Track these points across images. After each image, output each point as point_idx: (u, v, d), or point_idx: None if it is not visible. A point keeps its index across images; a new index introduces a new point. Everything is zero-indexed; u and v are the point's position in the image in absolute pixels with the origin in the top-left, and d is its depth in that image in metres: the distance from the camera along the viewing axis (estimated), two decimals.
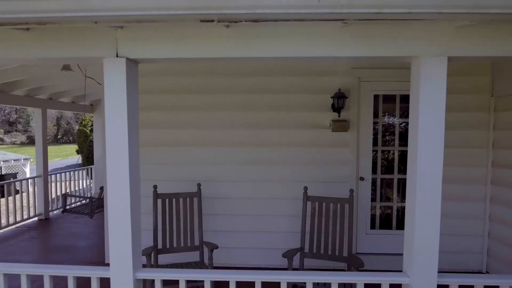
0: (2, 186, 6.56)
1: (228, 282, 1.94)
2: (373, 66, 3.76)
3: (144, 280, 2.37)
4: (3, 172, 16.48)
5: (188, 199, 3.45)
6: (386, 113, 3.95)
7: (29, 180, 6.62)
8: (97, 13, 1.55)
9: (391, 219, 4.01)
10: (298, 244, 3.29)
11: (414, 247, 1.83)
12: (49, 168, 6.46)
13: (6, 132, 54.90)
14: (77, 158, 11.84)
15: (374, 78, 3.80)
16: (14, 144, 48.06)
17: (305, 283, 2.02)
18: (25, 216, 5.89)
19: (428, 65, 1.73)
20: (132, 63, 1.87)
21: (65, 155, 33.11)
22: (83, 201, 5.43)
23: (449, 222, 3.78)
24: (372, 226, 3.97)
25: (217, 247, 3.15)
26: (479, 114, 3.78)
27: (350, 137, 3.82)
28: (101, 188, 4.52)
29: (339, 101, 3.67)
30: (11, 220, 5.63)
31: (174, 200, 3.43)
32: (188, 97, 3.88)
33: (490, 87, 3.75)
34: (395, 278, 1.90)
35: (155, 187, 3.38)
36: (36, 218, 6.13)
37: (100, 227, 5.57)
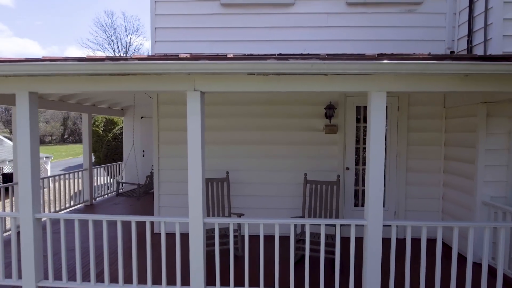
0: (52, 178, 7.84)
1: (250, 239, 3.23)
2: None
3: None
4: None
5: (219, 183, 4.74)
6: (366, 119, 5.23)
7: (75, 173, 7.91)
8: (190, 70, 2.84)
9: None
10: (300, 216, 4.58)
11: (368, 206, 3.11)
12: (65, 166, 7.75)
13: (11, 132, 55.96)
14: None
15: (356, 94, 5.09)
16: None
17: (304, 224, 3.31)
18: (74, 202, 7.20)
19: (374, 96, 3.01)
20: (202, 94, 3.15)
21: (75, 154, 34.41)
22: (116, 189, 6.74)
23: (415, 201, 5.10)
24: (356, 204, 5.26)
25: (243, 214, 4.44)
26: (435, 121, 5.07)
27: (339, 137, 5.12)
28: (147, 177, 5.82)
29: (330, 111, 4.96)
30: (63, 206, 6.94)
31: (209, 183, 4.72)
32: (223, 108, 5.18)
33: (442, 100, 5.04)
34: (358, 221, 3.19)
35: None
36: (82, 204, 7.43)
37: (136, 211, 6.90)
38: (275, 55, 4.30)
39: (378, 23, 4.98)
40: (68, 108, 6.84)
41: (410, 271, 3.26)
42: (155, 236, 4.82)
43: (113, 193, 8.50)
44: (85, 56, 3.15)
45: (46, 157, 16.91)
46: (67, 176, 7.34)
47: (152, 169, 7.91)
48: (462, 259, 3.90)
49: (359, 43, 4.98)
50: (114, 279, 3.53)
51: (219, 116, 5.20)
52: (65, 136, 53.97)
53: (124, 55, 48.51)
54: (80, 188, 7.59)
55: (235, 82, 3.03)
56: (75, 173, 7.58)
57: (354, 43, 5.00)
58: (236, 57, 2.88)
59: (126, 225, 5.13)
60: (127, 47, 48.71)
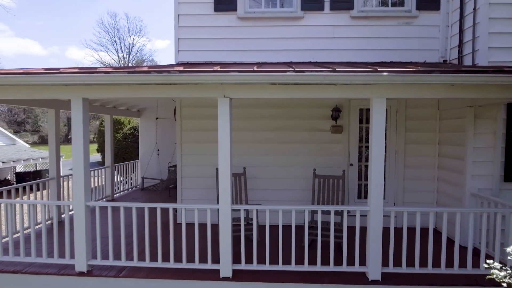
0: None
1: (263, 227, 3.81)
2: None
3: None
4: (38, 168, 18.38)
5: (237, 177, 5.32)
6: (368, 121, 5.81)
7: (96, 171, 8.49)
8: (223, 81, 3.43)
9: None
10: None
11: (371, 194, 3.69)
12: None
13: (15, 132, 56.39)
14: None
15: (359, 99, 5.65)
16: (26, 143, 49.81)
17: (317, 210, 3.89)
18: (96, 198, 7.78)
19: (376, 102, 3.59)
20: (230, 100, 3.73)
21: None
22: (141, 184, 7.33)
23: (412, 194, 5.69)
24: (359, 197, 5.84)
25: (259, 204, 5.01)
26: (430, 122, 5.65)
27: (343, 137, 5.70)
28: (172, 173, 6.41)
29: (336, 113, 5.54)
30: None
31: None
32: (240, 111, 5.75)
33: (436, 104, 5.62)
34: (363, 208, 3.77)
35: (216, 169, 5.24)
36: (104, 199, 8.01)
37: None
38: (289, 64, 4.90)
39: (379, 34, 5.55)
40: (93, 110, 7.41)
41: (406, 252, 3.84)
42: (178, 226, 5.40)
43: (129, 190, 9.08)
44: (122, 65, 3.72)
45: None
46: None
47: (169, 166, 8.52)
48: (451, 242, 4.47)
49: (362, 52, 5.56)
50: (153, 257, 4.11)
51: (236, 118, 5.75)
52: (69, 136, 54.52)
53: (128, 56, 49.14)
54: (97, 185, 8.16)
55: (259, 90, 3.62)
56: (97, 171, 8.16)
57: (358, 52, 5.58)
58: (261, 70, 3.46)
59: (153, 213, 5.71)
60: (130, 48, 49.28)
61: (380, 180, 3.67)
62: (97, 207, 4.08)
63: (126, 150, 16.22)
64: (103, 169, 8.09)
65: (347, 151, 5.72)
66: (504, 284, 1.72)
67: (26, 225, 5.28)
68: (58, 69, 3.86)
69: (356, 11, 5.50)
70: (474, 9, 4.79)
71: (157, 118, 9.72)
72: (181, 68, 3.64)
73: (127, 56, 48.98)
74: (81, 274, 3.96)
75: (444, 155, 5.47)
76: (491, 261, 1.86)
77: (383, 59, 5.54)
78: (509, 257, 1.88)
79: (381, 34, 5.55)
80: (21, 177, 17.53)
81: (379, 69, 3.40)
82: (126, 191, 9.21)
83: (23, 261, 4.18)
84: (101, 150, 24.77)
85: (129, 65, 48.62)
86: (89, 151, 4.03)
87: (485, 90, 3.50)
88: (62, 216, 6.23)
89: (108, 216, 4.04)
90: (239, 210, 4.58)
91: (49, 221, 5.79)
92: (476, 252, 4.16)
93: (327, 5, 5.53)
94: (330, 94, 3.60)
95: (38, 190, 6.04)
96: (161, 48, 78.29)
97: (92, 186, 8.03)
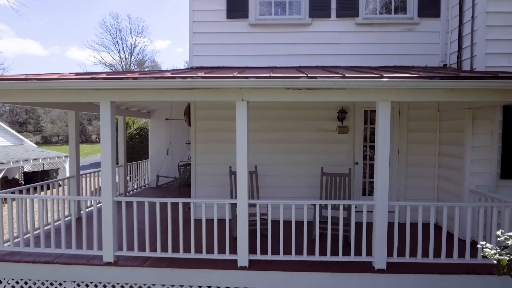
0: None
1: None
2: None
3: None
4: (45, 168, 18.70)
5: (249, 175, 5.63)
6: (372, 122, 6.14)
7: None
8: (241, 86, 3.75)
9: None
10: None
11: (377, 189, 4.01)
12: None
13: (18, 132, 56.49)
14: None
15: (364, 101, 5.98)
16: (33, 144, 50.15)
17: (326, 206, 4.22)
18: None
19: (381, 105, 3.91)
20: (247, 103, 4.05)
21: (84, 154, 35.31)
22: (156, 182, 7.64)
23: (414, 191, 6.00)
24: (364, 194, 6.16)
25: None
26: (431, 122, 5.97)
27: (349, 137, 6.02)
28: (184, 172, 6.73)
29: (342, 114, 5.87)
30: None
31: None
32: (252, 112, 6.08)
33: (437, 105, 5.94)
34: (369, 202, 4.09)
35: (230, 168, 5.57)
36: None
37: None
38: (298, 68, 5.22)
39: (382, 40, 5.88)
40: (84, 108, 7.69)
41: (409, 244, 4.15)
42: (195, 220, 5.71)
43: (139, 188, 9.41)
44: (147, 70, 4.05)
45: (65, 156, 17.82)
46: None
47: (179, 165, 8.85)
48: (451, 236, 4.78)
49: (366, 57, 5.88)
50: (175, 249, 4.43)
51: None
52: None
53: (130, 57, 49.47)
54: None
55: (274, 94, 3.94)
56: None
57: (362, 56, 5.90)
58: (277, 76, 3.78)
59: (175, 208, 6.05)
60: (132, 49, 49.63)
61: (385, 176, 3.99)
62: (123, 202, 4.41)
63: (132, 150, 16.53)
64: (116, 168, 8.40)
65: (352, 150, 6.04)
66: (494, 261, 2.04)
67: (50, 220, 5.61)
68: (90, 74, 4.19)
69: (361, 18, 5.83)
70: (472, 17, 5.11)
71: (166, 119, 10.05)
72: (203, 74, 3.96)
73: (129, 56, 49.36)
74: (108, 264, 4.29)
75: (444, 154, 5.79)
76: (483, 242, 2.19)
77: (386, 63, 5.86)
78: (498, 239, 2.19)
79: (384, 40, 5.87)
80: (29, 176, 17.84)
81: (384, 75, 3.72)
82: (136, 190, 9.54)
83: (53, 252, 4.50)
84: None
85: (131, 65, 49.04)
86: (115, 151, 4.35)
87: (482, 94, 3.82)
88: (81, 212, 6.55)
89: (134, 210, 4.36)
90: (253, 206, 4.89)
91: (68, 218, 6.11)
92: (474, 244, 4.45)
93: (333, 12, 5.85)
94: (339, 98, 3.93)
95: (48, 189, 6.31)
96: (162, 49, 78.70)
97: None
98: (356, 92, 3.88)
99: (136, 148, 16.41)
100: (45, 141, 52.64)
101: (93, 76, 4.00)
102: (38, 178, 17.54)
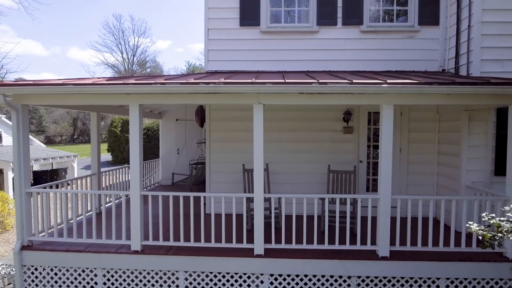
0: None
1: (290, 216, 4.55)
2: None
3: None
4: (54, 167, 19.13)
5: None
6: (375, 122, 6.56)
7: (123, 168, 9.23)
8: (259, 91, 4.17)
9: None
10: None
11: (381, 184, 4.43)
12: (85, 165, 9.08)
13: None
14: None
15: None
16: (42, 143, 50.65)
17: (334, 198, 4.64)
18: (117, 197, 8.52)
19: (385, 108, 4.33)
20: (263, 106, 4.47)
21: (88, 154, 35.74)
22: (172, 179, 8.05)
23: (414, 188, 6.41)
24: (367, 190, 6.58)
25: (280, 197, 5.77)
26: (430, 123, 6.39)
27: (354, 137, 6.44)
28: (197, 170, 7.16)
29: (347, 116, 6.29)
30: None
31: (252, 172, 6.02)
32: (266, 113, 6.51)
33: (436, 107, 6.36)
34: (374, 196, 4.51)
35: (243, 165, 5.98)
36: (119, 200, 8.74)
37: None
38: (307, 73, 5.63)
39: (385, 46, 6.30)
40: (122, 112, 8.16)
41: (410, 235, 4.57)
42: (207, 216, 6.14)
43: (152, 186, 9.84)
44: (179, 74, 4.48)
45: (73, 156, 18.25)
46: (118, 171, 8.69)
47: (190, 164, 9.27)
48: (448, 228, 5.20)
49: (370, 62, 6.30)
50: (197, 239, 4.84)
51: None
52: (75, 136, 55.40)
53: (132, 58, 49.93)
54: (123, 180, 8.90)
55: (288, 98, 4.37)
56: (124, 169, 8.91)
57: (366, 62, 6.32)
58: (291, 82, 4.20)
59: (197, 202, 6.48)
60: (135, 49, 50.09)
61: (389, 172, 4.41)
62: (149, 196, 4.83)
63: None
64: (127, 168, 8.83)
65: (357, 149, 6.46)
66: (480, 237, 2.45)
67: (80, 212, 6.03)
68: (119, 78, 4.62)
69: (365, 26, 6.25)
70: (469, 26, 5.53)
71: (176, 120, 10.47)
72: (223, 80, 4.38)
73: (132, 57, 49.86)
74: (135, 252, 4.71)
75: (443, 152, 6.20)
76: (471, 222, 2.61)
77: (388, 68, 6.27)
78: (482, 219, 2.60)
79: (387, 46, 6.29)
80: (39, 175, 18.25)
81: (388, 81, 4.14)
82: (149, 187, 9.96)
83: (84, 242, 4.93)
84: (111, 149, 25.60)
85: (133, 66, 49.56)
86: (142, 150, 4.77)
87: (476, 98, 4.24)
88: (101, 207, 6.97)
89: (159, 203, 4.79)
90: (266, 201, 5.32)
91: (89, 213, 6.53)
92: (470, 236, 4.88)
93: (339, 20, 6.27)
94: (347, 101, 4.35)
95: (68, 185, 6.74)
96: (163, 49, 79.17)
97: (122, 180, 8.79)
98: (362, 96, 4.30)
99: (144, 147, 16.77)
100: (48, 141, 52.99)
101: (124, 81, 4.42)
102: (47, 177, 17.95)
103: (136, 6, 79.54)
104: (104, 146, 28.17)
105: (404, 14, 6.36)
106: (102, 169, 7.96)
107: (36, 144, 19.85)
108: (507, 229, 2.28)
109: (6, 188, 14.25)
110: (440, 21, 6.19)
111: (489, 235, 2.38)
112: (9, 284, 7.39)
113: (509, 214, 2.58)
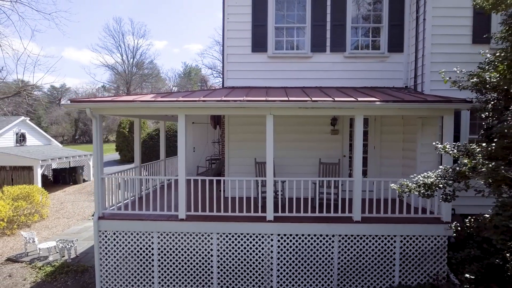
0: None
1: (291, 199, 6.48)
2: None
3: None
4: (72, 165, 20.86)
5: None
6: None
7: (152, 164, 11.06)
8: (270, 105, 6.10)
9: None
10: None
11: (355, 171, 6.36)
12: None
13: None
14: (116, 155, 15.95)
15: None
16: (60, 143, 51.75)
17: (323, 180, 6.57)
18: (153, 185, 10.40)
19: (357, 117, 6.27)
20: (274, 116, 6.38)
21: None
22: (196, 171, 9.93)
23: (385, 175, 8.37)
24: (350, 176, 8.51)
25: (284, 181, 7.71)
26: (397, 127, 8.36)
27: (339, 137, 8.40)
28: (218, 164, 9.06)
29: (334, 121, 8.24)
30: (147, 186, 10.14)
31: (263, 165, 7.94)
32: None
33: (401, 115, 8.33)
34: (350, 179, 6.47)
35: (255, 159, 7.88)
36: (158, 185, 10.63)
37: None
38: (302, 89, 7.56)
39: (363, 68, 8.26)
40: (159, 118, 10.00)
41: (376, 207, 6.52)
42: (226, 198, 8.05)
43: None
44: (204, 89, 6.38)
45: (90, 155, 19.99)
46: (151, 165, 10.54)
47: (207, 159, 11.15)
48: (408, 206, 7.14)
49: (352, 80, 8.25)
50: (225, 210, 6.74)
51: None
52: (76, 137, 56.78)
53: (132, 60, 51.56)
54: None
55: (291, 110, 6.29)
56: (152, 164, 10.76)
57: (349, 80, 8.27)
58: (293, 100, 6.11)
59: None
60: (134, 51, 51.75)
61: (360, 162, 6.36)
62: (192, 180, 6.73)
63: (153, 149, 18.66)
64: (158, 163, 10.71)
65: (341, 147, 8.42)
66: (399, 194, 4.42)
67: (138, 191, 7.89)
68: (169, 94, 6.51)
69: (347, 52, 8.20)
70: (423, 55, 7.51)
71: (193, 123, 12.36)
72: (246, 98, 6.27)
73: (131, 59, 51.52)
74: (181, 220, 6.59)
75: (406, 149, 8.18)
76: (392, 184, 4.59)
77: (366, 84, 8.23)
78: (413, 179, 4.58)
79: (365, 68, 8.25)
80: (58, 173, 19.99)
81: (359, 99, 6.08)
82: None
83: (144, 213, 6.80)
84: (119, 149, 27.38)
85: (133, 67, 51.39)
86: (185, 148, 6.67)
87: (419, 111, 6.21)
88: (147, 190, 8.83)
89: (198, 186, 6.68)
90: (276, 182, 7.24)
91: (141, 192, 8.38)
92: (424, 210, 6.87)
93: (328, 48, 8.22)
94: (332, 113, 6.30)
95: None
96: (159, 49, 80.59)
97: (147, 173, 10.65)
98: (342, 109, 6.24)
99: (156, 147, 18.56)
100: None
101: (176, 99, 6.31)
102: (66, 175, 19.66)
103: (132, 6, 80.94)
104: (112, 146, 29.89)
105: (378, 44, 8.32)
106: (123, 167, 9.83)
107: (54, 144, 21.52)
108: (410, 187, 4.25)
109: (36, 183, 15.93)
110: (404, 49, 8.16)
111: (400, 190, 4.33)
112: (62, 257, 9.32)
113: (413, 179, 4.55)
